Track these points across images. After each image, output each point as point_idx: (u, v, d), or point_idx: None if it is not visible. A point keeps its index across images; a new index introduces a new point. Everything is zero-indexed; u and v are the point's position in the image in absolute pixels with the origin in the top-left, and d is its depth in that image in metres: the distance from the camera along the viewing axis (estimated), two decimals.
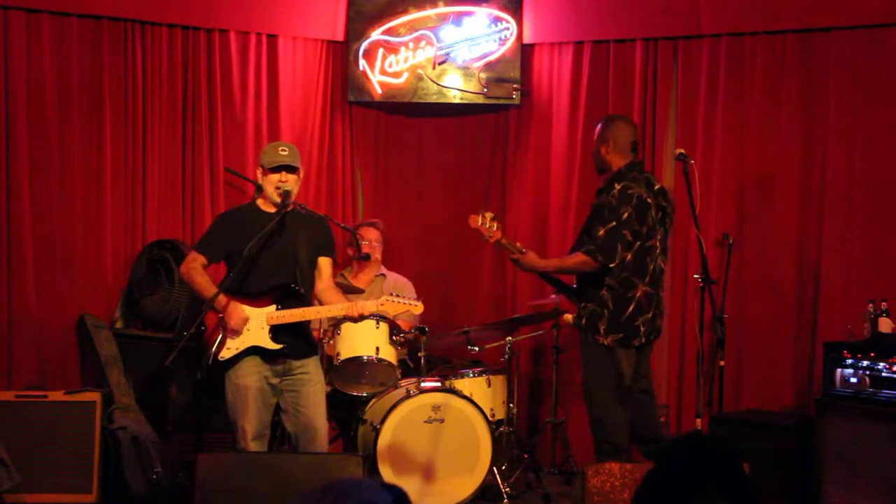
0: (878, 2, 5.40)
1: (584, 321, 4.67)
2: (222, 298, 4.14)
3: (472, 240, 6.41)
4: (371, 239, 5.62)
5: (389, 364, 4.89)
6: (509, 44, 6.13)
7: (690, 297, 5.46)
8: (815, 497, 4.74)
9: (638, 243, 4.60)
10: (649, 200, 4.63)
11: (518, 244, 4.78)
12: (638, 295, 4.64)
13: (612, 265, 4.57)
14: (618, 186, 4.60)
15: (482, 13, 6.13)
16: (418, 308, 4.31)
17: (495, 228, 4.70)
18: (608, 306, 4.62)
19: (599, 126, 4.87)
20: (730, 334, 5.20)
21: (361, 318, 4.25)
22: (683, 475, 1.66)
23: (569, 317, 4.77)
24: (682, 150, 4.73)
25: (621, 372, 4.64)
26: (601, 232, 4.57)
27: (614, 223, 4.56)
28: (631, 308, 4.62)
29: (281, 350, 4.20)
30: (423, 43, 6.14)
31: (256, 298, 4.22)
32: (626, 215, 4.56)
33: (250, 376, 4.20)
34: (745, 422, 5.06)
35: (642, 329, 4.66)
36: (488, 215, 4.70)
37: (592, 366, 4.69)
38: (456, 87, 6.16)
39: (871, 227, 5.37)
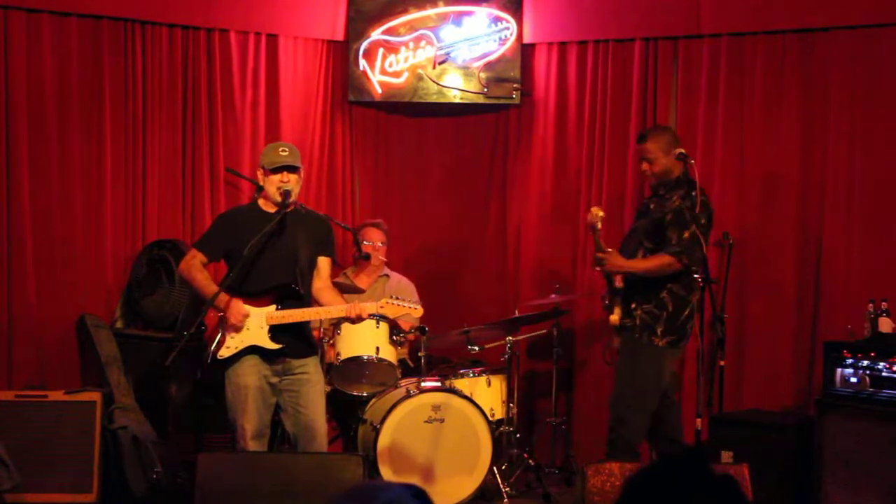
0: (878, 2, 5.40)
1: (638, 322, 4.67)
2: (223, 297, 4.15)
3: (472, 239, 6.44)
4: (376, 240, 5.61)
5: (389, 364, 4.89)
6: (509, 44, 6.13)
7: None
8: (815, 497, 4.74)
9: (705, 248, 4.66)
10: (712, 208, 4.73)
11: (603, 244, 4.77)
12: (694, 300, 4.72)
13: (694, 267, 4.63)
14: (694, 193, 4.64)
15: (482, 13, 6.13)
16: (418, 311, 4.30)
17: (600, 226, 4.71)
18: (667, 308, 4.64)
19: (652, 139, 4.79)
20: (730, 334, 5.20)
21: (360, 319, 4.25)
22: (691, 490, 1.65)
23: (615, 318, 4.73)
24: (683, 150, 4.72)
25: (665, 373, 4.69)
26: (685, 234, 4.60)
27: (695, 227, 4.61)
28: (687, 312, 4.69)
29: (280, 350, 4.20)
30: (423, 43, 6.14)
31: (256, 298, 4.22)
32: (703, 220, 4.64)
33: (250, 376, 4.20)
34: (745, 422, 5.06)
35: (688, 332, 4.73)
36: (602, 213, 4.69)
37: (641, 366, 4.69)
38: (456, 86, 6.16)
39: (871, 226, 5.37)
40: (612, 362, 4.97)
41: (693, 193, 4.64)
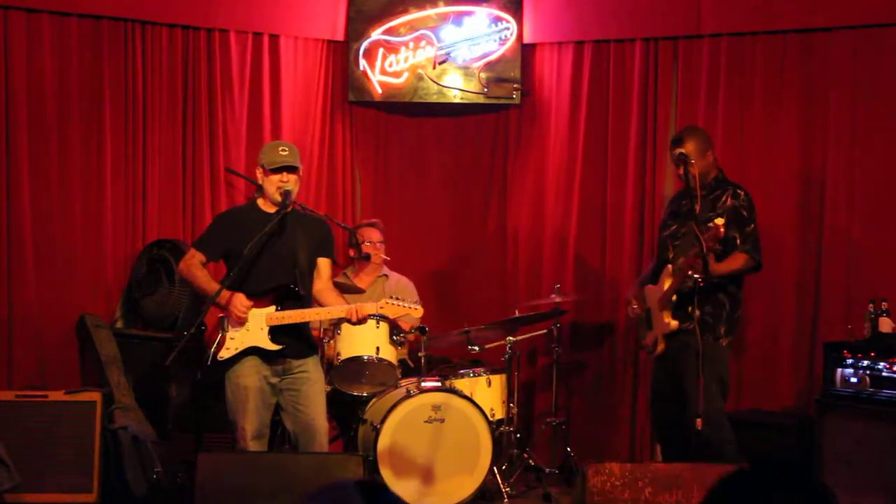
0: (878, 2, 5.40)
1: (700, 324, 4.53)
2: (224, 293, 4.14)
3: (472, 239, 6.44)
4: (374, 240, 5.61)
5: (389, 364, 4.88)
6: (509, 44, 6.13)
7: None
8: None
9: None
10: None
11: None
12: (742, 296, 4.69)
13: (761, 265, 4.62)
14: (741, 192, 4.63)
15: (482, 13, 6.13)
16: (418, 312, 4.30)
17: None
18: (725, 307, 4.60)
19: (688, 141, 4.65)
20: None
21: (360, 320, 4.25)
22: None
23: (674, 323, 4.58)
24: (683, 150, 4.71)
25: (729, 373, 4.65)
26: (748, 232, 4.57)
27: (753, 225, 4.60)
28: (739, 308, 4.68)
29: (280, 350, 4.20)
30: (423, 43, 6.14)
31: (256, 299, 4.21)
32: (755, 218, 4.62)
33: (250, 376, 4.20)
34: (745, 422, 5.06)
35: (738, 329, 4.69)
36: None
37: (717, 367, 4.57)
38: (456, 86, 6.16)
39: (871, 226, 5.37)
40: (652, 352, 4.79)
41: (739, 192, 4.62)
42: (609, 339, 6.04)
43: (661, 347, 4.69)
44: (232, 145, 5.93)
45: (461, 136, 6.46)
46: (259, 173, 4.31)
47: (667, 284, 4.62)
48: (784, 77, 5.59)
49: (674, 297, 4.60)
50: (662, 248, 4.84)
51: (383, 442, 4.76)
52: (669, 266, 4.64)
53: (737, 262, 4.58)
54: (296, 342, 4.26)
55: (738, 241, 4.57)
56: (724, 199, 4.63)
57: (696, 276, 4.45)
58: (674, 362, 4.64)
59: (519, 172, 6.32)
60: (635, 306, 4.86)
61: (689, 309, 4.55)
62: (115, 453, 4.93)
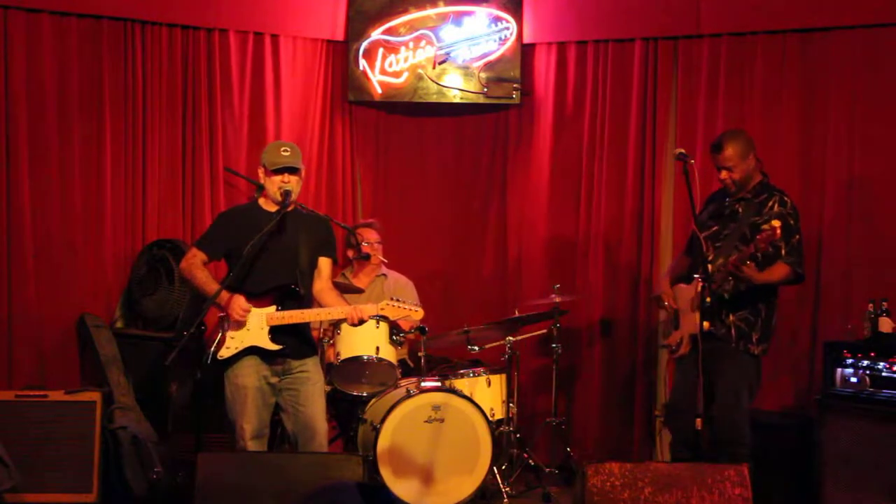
0: (878, 2, 5.40)
1: (732, 330, 4.53)
2: (224, 294, 4.14)
3: (472, 239, 6.44)
4: (372, 240, 5.62)
5: (389, 364, 4.89)
6: (509, 43, 6.14)
7: None
8: (815, 497, 4.75)
9: None
10: None
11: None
12: (778, 302, 4.64)
13: (804, 276, 4.57)
14: (787, 200, 4.57)
15: (482, 13, 6.14)
16: (418, 314, 4.30)
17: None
18: (761, 314, 4.55)
19: (729, 145, 4.57)
20: None
21: (361, 322, 4.25)
22: None
23: (706, 324, 4.36)
24: (682, 150, 4.69)
25: (760, 381, 4.60)
26: (794, 243, 4.51)
27: (798, 236, 4.54)
28: (775, 316, 4.62)
29: (280, 350, 4.20)
30: (423, 42, 6.14)
31: (257, 298, 4.21)
32: (800, 227, 4.56)
33: (250, 376, 4.21)
34: None
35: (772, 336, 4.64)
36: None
37: (748, 375, 4.54)
38: (456, 86, 6.16)
39: (871, 226, 5.37)
40: (676, 351, 4.69)
41: (786, 199, 4.56)
42: (609, 339, 6.04)
43: (686, 349, 4.62)
44: (232, 145, 5.94)
45: (461, 135, 6.46)
46: (261, 173, 4.32)
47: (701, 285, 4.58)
48: (784, 77, 5.59)
49: (708, 300, 4.44)
50: (700, 248, 4.65)
51: (383, 442, 4.76)
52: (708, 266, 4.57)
53: (779, 272, 4.50)
54: (296, 342, 4.27)
55: (783, 252, 4.50)
56: (770, 204, 4.56)
57: (695, 275, 4.42)
58: (700, 365, 4.53)
59: (519, 172, 6.32)
60: (667, 304, 4.77)
61: (722, 314, 4.52)
62: (115, 453, 4.93)
